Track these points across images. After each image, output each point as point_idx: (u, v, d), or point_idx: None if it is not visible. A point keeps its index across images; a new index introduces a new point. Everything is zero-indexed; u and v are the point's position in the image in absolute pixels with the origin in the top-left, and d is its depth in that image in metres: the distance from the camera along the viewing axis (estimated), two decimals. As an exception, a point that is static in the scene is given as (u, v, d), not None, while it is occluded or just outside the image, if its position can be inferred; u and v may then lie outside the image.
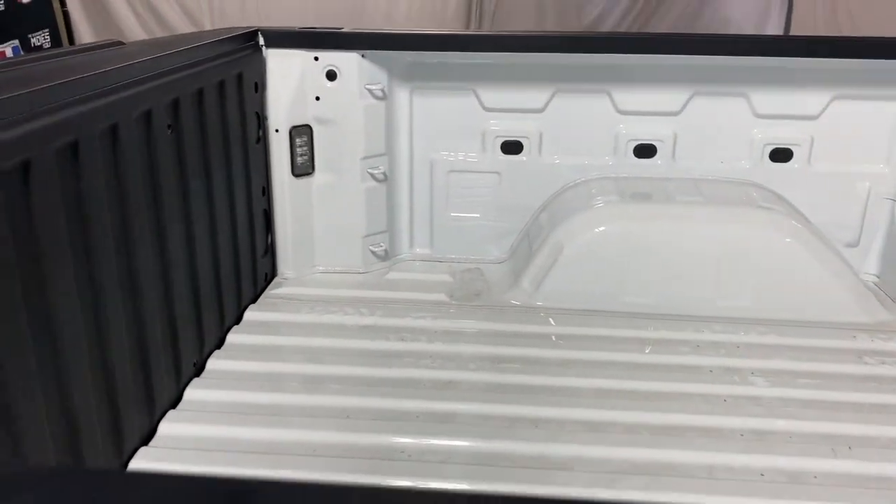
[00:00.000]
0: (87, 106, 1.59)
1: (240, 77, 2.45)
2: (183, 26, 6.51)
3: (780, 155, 2.86)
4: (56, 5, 6.47)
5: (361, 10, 6.49)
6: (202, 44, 2.24)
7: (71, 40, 6.62)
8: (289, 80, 2.71)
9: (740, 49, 2.69)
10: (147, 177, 1.88)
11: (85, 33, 6.70)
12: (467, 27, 6.58)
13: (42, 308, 1.47)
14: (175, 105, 2.01)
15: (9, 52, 5.82)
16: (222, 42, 2.37)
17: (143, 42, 2.41)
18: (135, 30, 6.57)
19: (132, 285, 1.82)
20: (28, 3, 6.05)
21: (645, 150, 2.90)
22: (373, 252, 2.98)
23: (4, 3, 5.76)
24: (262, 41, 2.65)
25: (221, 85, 2.31)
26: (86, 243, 1.61)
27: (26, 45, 6.05)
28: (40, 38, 6.32)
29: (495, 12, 6.71)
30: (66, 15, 6.63)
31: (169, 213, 1.99)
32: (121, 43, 2.36)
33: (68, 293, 1.56)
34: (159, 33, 6.47)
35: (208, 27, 6.44)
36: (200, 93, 2.16)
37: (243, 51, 2.52)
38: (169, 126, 1.98)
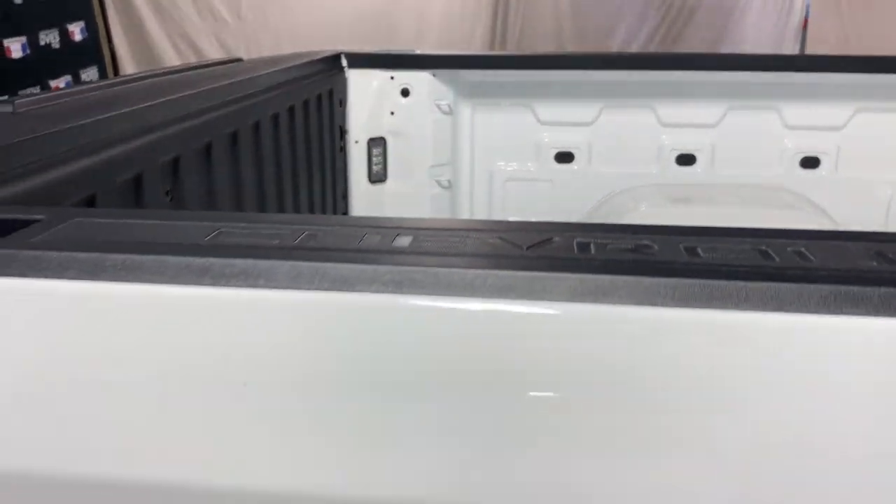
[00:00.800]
0: (243, 104, 1.90)
1: (330, 93, 2.76)
2: (224, 62, 6.87)
3: (810, 162, 3.15)
4: (104, 44, 6.85)
5: (391, 37, 6.83)
6: (307, 61, 2.56)
7: (117, 76, 6.98)
8: (367, 97, 3.02)
9: (774, 66, 3.01)
10: (276, 170, 2.17)
11: (130, 69, 7.07)
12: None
13: None
14: (291, 111, 2.31)
15: (62, 87, 6.15)
16: (318, 62, 2.70)
17: (258, 59, 2.74)
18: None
19: None
20: (79, 42, 6.41)
21: (686, 159, 3.19)
22: (437, 253, 3.26)
23: (59, 42, 6.14)
24: (344, 62, 2.98)
25: (319, 98, 2.62)
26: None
27: (77, 81, 6.38)
28: (90, 74, 6.65)
29: (519, 39, 7.08)
30: (112, 52, 7.03)
31: (286, 203, 2.28)
32: (240, 60, 2.69)
33: None
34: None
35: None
36: (306, 104, 2.47)
37: (332, 70, 2.84)
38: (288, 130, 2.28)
